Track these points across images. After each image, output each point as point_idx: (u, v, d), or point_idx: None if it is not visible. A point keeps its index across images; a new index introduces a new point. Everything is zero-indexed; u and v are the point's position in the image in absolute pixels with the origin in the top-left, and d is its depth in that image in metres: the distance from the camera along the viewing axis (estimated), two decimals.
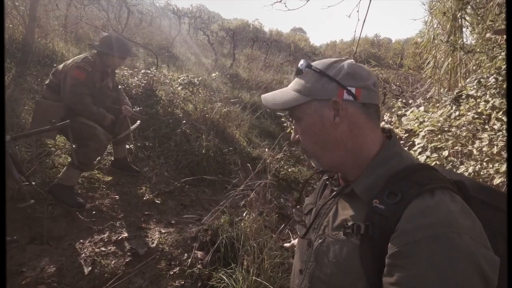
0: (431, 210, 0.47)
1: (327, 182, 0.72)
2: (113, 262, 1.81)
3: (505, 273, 0.50)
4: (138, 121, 2.71)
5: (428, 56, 5.04)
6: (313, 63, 0.63)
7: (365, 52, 14.32)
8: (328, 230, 0.61)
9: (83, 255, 1.81)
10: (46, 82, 2.26)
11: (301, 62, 0.64)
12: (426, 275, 0.44)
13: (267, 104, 0.66)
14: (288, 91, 0.65)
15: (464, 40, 4.21)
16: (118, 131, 2.53)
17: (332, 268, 0.57)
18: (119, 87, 2.70)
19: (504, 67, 1.78)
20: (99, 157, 2.36)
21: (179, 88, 4.13)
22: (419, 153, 2.12)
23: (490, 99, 1.81)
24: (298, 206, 0.79)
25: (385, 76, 7.87)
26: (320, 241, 0.61)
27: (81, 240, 1.92)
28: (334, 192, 0.65)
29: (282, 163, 3.65)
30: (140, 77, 4.03)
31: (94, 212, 2.17)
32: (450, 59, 4.26)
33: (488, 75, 1.86)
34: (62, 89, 2.16)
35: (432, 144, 2.02)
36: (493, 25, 2.58)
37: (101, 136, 2.20)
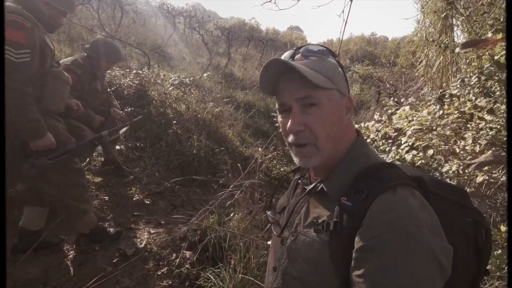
0: (393, 206, 0.51)
1: (298, 181, 0.73)
2: (100, 262, 1.82)
3: (458, 259, 0.53)
4: (127, 125, 2.72)
5: (421, 55, 5.07)
6: None
7: (361, 51, 14.34)
8: (300, 228, 0.62)
9: (70, 256, 1.82)
10: None
11: (320, 47, 0.62)
12: (388, 267, 0.47)
13: (304, 73, 0.55)
14: (310, 70, 0.57)
15: (455, 39, 4.25)
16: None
17: (303, 265, 0.58)
18: (108, 90, 2.69)
19: (486, 65, 1.80)
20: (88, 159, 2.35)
21: (171, 88, 4.13)
22: (406, 152, 2.15)
23: (473, 98, 1.84)
24: (270, 210, 0.80)
25: (380, 74, 7.91)
26: (292, 238, 0.63)
27: (68, 241, 1.93)
28: (307, 190, 0.66)
29: (275, 162, 3.66)
30: (132, 77, 4.03)
31: None
32: (442, 57, 4.30)
33: (471, 74, 1.89)
34: None
35: (418, 143, 2.04)
36: (481, 24, 2.61)
37: (89, 137, 2.20)
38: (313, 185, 0.65)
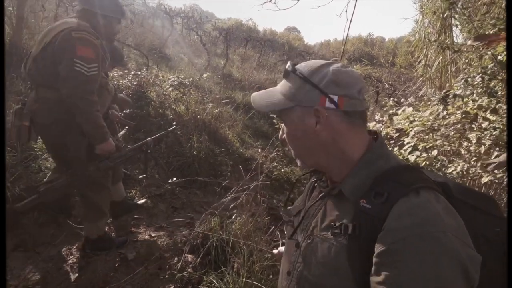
0: (416, 209, 0.48)
1: (315, 184, 0.72)
2: (101, 267, 1.78)
3: (484, 272, 0.50)
4: (126, 127, 2.68)
5: (420, 55, 5.08)
6: (300, 66, 0.63)
7: (358, 51, 14.39)
8: (316, 231, 0.61)
9: (70, 261, 1.78)
10: None
11: (288, 64, 0.64)
12: (412, 273, 0.45)
13: (255, 105, 0.68)
14: (275, 93, 0.66)
15: (454, 39, 4.26)
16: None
17: (320, 269, 0.57)
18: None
19: (490, 66, 1.79)
20: None
21: (170, 89, 4.10)
22: (409, 153, 2.13)
23: (477, 98, 1.83)
24: (287, 208, 0.80)
25: (378, 75, 7.92)
26: (308, 241, 0.62)
27: (68, 246, 1.89)
28: (322, 193, 0.66)
29: (275, 163, 3.64)
30: (130, 78, 3.99)
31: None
32: (441, 57, 4.30)
33: (475, 74, 1.88)
34: None
35: (422, 145, 2.02)
36: (481, 24, 2.61)
37: None
38: (330, 187, 0.65)
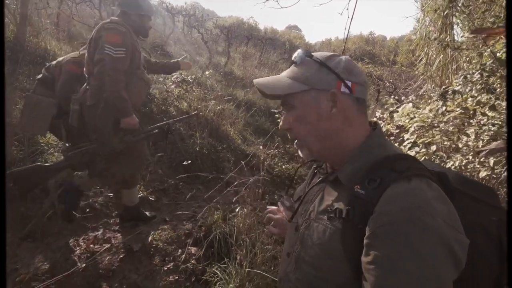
0: (406, 194, 0.50)
1: (315, 171, 0.76)
2: (107, 258, 1.83)
3: (481, 259, 0.53)
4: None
5: (421, 53, 5.10)
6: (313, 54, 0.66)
7: (359, 50, 14.37)
8: (313, 215, 0.64)
9: (77, 252, 1.83)
10: (39, 77, 2.21)
11: (299, 51, 0.66)
12: (399, 254, 0.47)
13: (262, 89, 0.65)
14: (283, 78, 0.66)
15: (455, 37, 4.28)
16: None
17: (316, 250, 0.59)
18: None
19: (488, 63, 1.83)
20: None
21: (173, 86, 4.14)
22: (409, 148, 2.17)
23: (476, 94, 1.86)
24: (288, 195, 0.82)
25: (379, 73, 7.94)
26: (305, 225, 0.65)
27: (75, 237, 1.94)
28: (320, 179, 0.69)
29: (276, 159, 3.68)
30: None
31: (88, 210, 2.19)
32: (442, 56, 4.32)
33: (474, 71, 1.91)
34: (55, 83, 2.13)
35: (421, 140, 2.06)
36: (481, 22, 2.63)
37: None
38: (327, 174, 0.68)
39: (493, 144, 0.54)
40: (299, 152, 0.68)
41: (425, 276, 0.46)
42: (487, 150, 0.55)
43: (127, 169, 1.95)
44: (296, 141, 0.67)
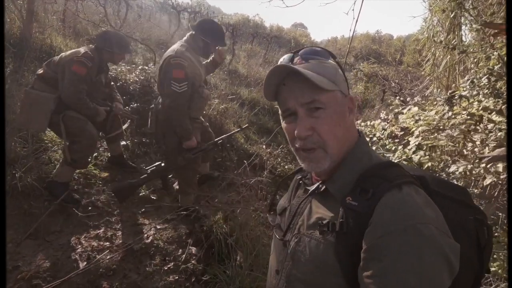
0: (400, 204, 0.51)
1: (300, 182, 0.72)
2: (108, 257, 1.84)
3: (462, 258, 0.53)
4: (129, 121, 2.74)
5: (428, 54, 5.03)
6: None
7: (366, 48, 14.23)
8: (303, 229, 0.62)
9: (79, 250, 1.84)
10: (39, 72, 2.18)
11: (320, 49, 0.63)
12: (398, 265, 0.47)
13: (309, 76, 0.55)
14: (312, 73, 0.57)
15: (463, 38, 4.21)
16: (109, 129, 2.54)
17: (309, 266, 0.58)
18: (112, 83, 2.69)
19: (496, 67, 1.79)
20: (91, 155, 2.36)
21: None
22: (413, 152, 2.14)
23: (483, 99, 1.83)
24: (271, 212, 0.79)
25: (385, 73, 7.86)
26: (296, 240, 0.62)
27: (77, 236, 1.95)
28: (309, 191, 0.65)
29: (279, 159, 3.67)
30: (137, 73, 4.03)
31: (90, 208, 2.20)
32: (449, 57, 4.26)
33: (481, 75, 1.87)
34: (60, 82, 2.12)
35: (426, 142, 2.03)
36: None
37: (93, 131, 2.20)
38: (315, 185, 0.65)
39: (496, 151, 0.53)
40: (306, 164, 0.61)
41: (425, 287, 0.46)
42: (489, 157, 0.53)
43: (185, 179, 2.32)
44: (308, 150, 0.59)
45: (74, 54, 2.15)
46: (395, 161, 0.66)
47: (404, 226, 0.48)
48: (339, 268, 0.53)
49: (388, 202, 0.51)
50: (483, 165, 1.75)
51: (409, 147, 2.14)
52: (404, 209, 0.50)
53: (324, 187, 0.62)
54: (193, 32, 2.21)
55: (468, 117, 1.77)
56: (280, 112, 0.64)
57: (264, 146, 3.93)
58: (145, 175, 2.21)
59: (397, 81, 7.02)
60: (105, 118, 2.39)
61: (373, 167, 0.59)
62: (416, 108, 2.24)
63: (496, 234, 1.65)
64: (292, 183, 0.77)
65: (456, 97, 1.92)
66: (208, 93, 2.31)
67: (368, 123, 2.93)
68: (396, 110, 2.83)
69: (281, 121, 0.64)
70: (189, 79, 2.02)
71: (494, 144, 1.72)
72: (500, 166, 1.43)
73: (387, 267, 0.47)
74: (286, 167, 3.49)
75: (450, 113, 1.86)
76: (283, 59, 0.63)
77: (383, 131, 2.76)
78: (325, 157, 0.59)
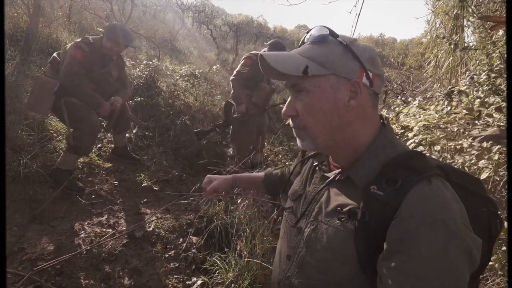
0: (430, 197, 0.50)
1: (316, 168, 0.69)
2: (110, 243, 1.87)
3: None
4: (137, 126, 2.84)
5: (430, 55, 5.05)
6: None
7: None
8: (321, 216, 0.60)
9: (82, 235, 1.88)
10: (50, 60, 2.29)
11: (319, 27, 0.59)
12: (424, 259, 0.47)
13: (273, 64, 0.56)
14: (297, 57, 0.57)
15: (466, 39, 4.23)
16: (113, 125, 2.58)
17: (325, 253, 0.57)
18: (127, 81, 2.69)
19: (496, 64, 1.82)
20: (94, 143, 2.40)
21: (180, 80, 4.18)
22: (413, 148, 2.17)
23: (482, 95, 1.85)
24: (283, 194, 0.77)
25: (387, 74, 7.88)
26: (312, 227, 0.61)
27: (80, 222, 1.99)
28: (329, 179, 0.63)
29: (280, 156, 3.70)
30: (142, 68, 4.08)
31: (93, 196, 2.24)
32: (451, 58, 4.28)
33: (481, 71, 1.90)
34: (60, 67, 2.20)
35: (424, 136, 2.06)
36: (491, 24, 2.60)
37: (95, 120, 2.24)
38: (335, 172, 0.63)
39: (488, 131, 0.55)
40: (298, 141, 0.62)
41: (448, 284, 0.46)
42: (482, 136, 0.56)
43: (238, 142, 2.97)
44: (297, 129, 0.60)
45: (75, 40, 2.26)
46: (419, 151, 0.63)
47: (433, 220, 0.47)
48: (356, 256, 0.53)
49: (418, 195, 0.50)
50: (482, 160, 1.78)
51: (408, 143, 2.17)
52: (434, 203, 0.49)
53: (346, 174, 0.59)
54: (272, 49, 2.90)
55: (467, 113, 1.79)
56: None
57: (265, 143, 3.96)
58: (211, 127, 3.05)
59: (399, 82, 7.04)
60: (110, 113, 2.42)
61: (399, 156, 0.56)
62: (416, 103, 2.26)
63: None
64: (307, 168, 0.74)
65: (455, 92, 1.95)
66: (267, 87, 2.98)
67: None
68: (397, 109, 2.86)
69: None
70: (250, 69, 2.84)
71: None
72: (496, 156, 1.46)
73: (413, 260, 0.47)
74: (287, 163, 3.52)
75: (448, 108, 1.89)
76: (304, 36, 0.63)
77: None
78: (309, 140, 0.59)
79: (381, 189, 0.52)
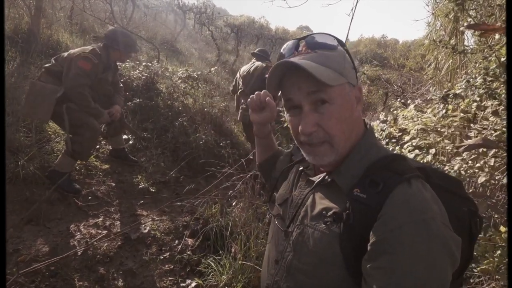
0: (411, 198, 0.51)
1: (302, 173, 0.70)
2: (105, 244, 1.88)
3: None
4: (133, 137, 2.86)
5: (430, 57, 5.04)
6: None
7: (370, 52, 14.23)
8: (306, 220, 0.61)
9: (77, 236, 1.89)
10: (46, 65, 2.24)
11: (328, 36, 0.59)
12: (408, 257, 0.48)
13: (311, 70, 0.52)
14: (319, 66, 0.55)
15: (466, 42, 4.22)
16: (112, 132, 2.61)
17: (311, 257, 0.57)
18: (121, 85, 2.71)
19: (492, 67, 1.81)
20: (94, 148, 2.41)
21: (179, 81, 4.19)
22: (409, 151, 2.16)
23: (477, 98, 1.85)
24: (270, 201, 0.78)
25: (388, 76, 7.86)
26: (298, 231, 0.61)
27: (76, 223, 2.00)
28: (315, 183, 0.64)
29: None
30: (141, 69, 4.09)
31: (90, 198, 2.25)
32: (451, 61, 4.27)
33: (477, 75, 1.89)
34: (64, 75, 2.17)
35: (422, 142, 2.05)
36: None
37: (95, 124, 2.25)
38: (321, 176, 0.63)
39: (472, 140, 0.55)
40: (313, 157, 0.59)
41: (432, 281, 0.47)
42: (466, 146, 0.56)
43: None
44: (317, 143, 0.58)
45: (82, 50, 2.22)
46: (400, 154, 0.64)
47: (414, 220, 0.48)
48: (342, 259, 0.53)
49: (400, 196, 0.51)
50: (478, 164, 1.77)
51: (405, 146, 2.17)
52: (415, 204, 0.50)
53: (331, 178, 0.60)
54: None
55: (463, 115, 1.79)
56: (282, 102, 0.62)
57: None
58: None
59: (399, 84, 7.02)
60: (109, 123, 2.43)
61: (381, 159, 0.58)
62: (412, 106, 2.26)
63: (490, 233, 1.67)
64: (293, 173, 0.75)
65: (450, 96, 1.94)
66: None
67: None
68: (395, 112, 2.86)
69: (285, 113, 0.63)
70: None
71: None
72: (492, 160, 1.45)
73: (397, 259, 0.47)
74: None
75: (444, 111, 1.88)
76: (287, 45, 0.61)
77: (381, 132, 2.78)
78: (331, 151, 0.58)
79: (364, 191, 0.53)
